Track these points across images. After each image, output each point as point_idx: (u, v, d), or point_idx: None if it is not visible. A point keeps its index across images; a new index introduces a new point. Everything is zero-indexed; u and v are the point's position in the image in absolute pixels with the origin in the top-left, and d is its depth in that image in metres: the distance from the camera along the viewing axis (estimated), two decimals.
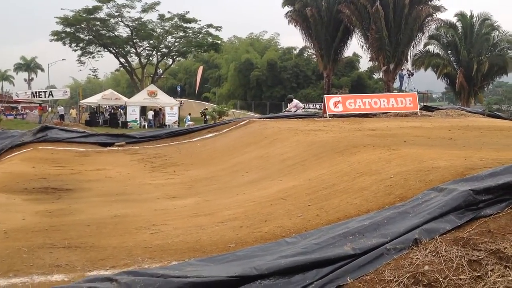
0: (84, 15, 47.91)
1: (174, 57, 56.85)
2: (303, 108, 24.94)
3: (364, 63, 61.78)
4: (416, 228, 3.85)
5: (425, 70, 50.17)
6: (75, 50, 51.61)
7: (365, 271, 3.55)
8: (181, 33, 52.11)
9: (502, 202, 4.03)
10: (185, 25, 50.93)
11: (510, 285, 3.19)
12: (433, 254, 3.56)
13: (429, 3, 46.58)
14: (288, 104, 21.95)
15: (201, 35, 52.65)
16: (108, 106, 48.90)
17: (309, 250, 3.78)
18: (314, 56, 58.32)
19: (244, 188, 8.05)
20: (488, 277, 3.29)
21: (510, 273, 3.28)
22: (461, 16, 49.32)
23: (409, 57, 49.02)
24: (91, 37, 50.77)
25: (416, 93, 22.25)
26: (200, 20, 50.69)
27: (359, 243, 3.79)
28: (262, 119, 18.56)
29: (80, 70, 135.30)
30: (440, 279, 3.31)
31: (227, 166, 10.61)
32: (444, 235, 3.77)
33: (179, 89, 68.66)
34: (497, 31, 48.83)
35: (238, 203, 6.93)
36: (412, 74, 35.39)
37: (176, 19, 50.36)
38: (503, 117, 19.78)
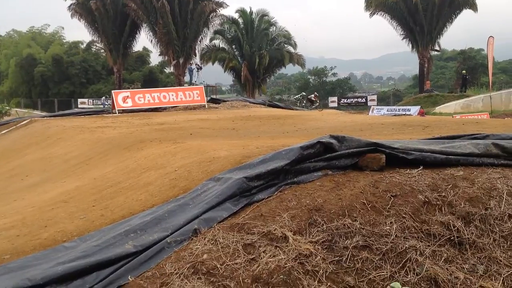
0: None
1: None
2: None
3: (155, 58, 61.92)
4: (196, 219, 3.93)
5: (213, 63, 52.19)
6: None
7: (147, 267, 3.52)
8: None
9: (272, 186, 4.33)
10: None
11: (280, 263, 3.44)
12: (212, 242, 3.68)
13: None
14: None
15: None
16: None
17: (89, 253, 3.62)
18: (103, 50, 56.56)
19: (24, 193, 7.45)
20: (261, 258, 3.50)
21: (280, 253, 3.54)
22: (242, 12, 52.34)
23: (197, 51, 50.48)
24: None
25: (203, 86, 22.99)
26: None
27: (140, 240, 3.74)
28: (46, 118, 17.41)
29: None
30: (218, 266, 3.43)
31: (4, 170, 9.72)
32: (222, 223, 3.91)
33: None
34: (275, 27, 53.17)
35: (15, 210, 6.37)
36: (201, 68, 36.52)
37: None
38: (282, 106, 21.54)
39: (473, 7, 51.01)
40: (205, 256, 3.54)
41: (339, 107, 48.48)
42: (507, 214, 4.03)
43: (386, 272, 3.48)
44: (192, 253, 3.59)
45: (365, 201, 4.10)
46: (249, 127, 10.73)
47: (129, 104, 18.79)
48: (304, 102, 34.31)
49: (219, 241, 3.69)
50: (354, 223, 3.87)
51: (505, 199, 4.17)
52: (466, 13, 52.82)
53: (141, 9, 46.66)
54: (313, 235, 3.75)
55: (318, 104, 34.15)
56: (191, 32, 47.59)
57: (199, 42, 50.23)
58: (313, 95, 34.79)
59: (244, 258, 3.51)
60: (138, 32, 52.07)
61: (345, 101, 57.16)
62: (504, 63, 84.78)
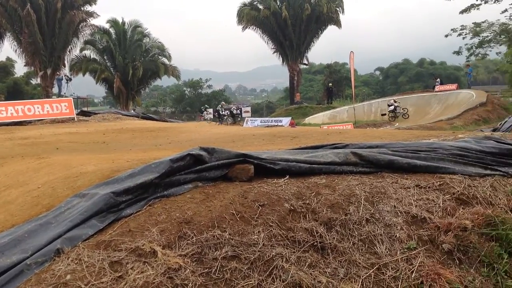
0: None
1: None
2: None
3: (20, 68, 58.23)
4: (59, 238, 3.73)
5: (83, 74, 50.32)
6: None
7: None
8: None
9: (141, 200, 4.24)
10: None
11: (148, 279, 3.37)
12: (76, 261, 3.51)
13: (82, 8, 46.75)
14: None
15: None
16: None
17: None
18: None
19: None
20: (129, 275, 3.40)
21: (148, 268, 3.47)
22: (114, 22, 51.14)
23: (66, 62, 48.38)
24: None
25: (72, 98, 22.05)
26: None
27: None
28: None
29: None
30: (82, 286, 3.28)
31: None
32: (87, 241, 3.75)
33: None
34: (148, 38, 52.52)
35: None
36: (71, 79, 34.99)
37: None
38: (156, 118, 21.29)
39: (338, 23, 54.43)
40: (68, 276, 3.37)
41: (215, 119, 48.90)
42: (365, 219, 4.31)
43: (254, 280, 3.55)
44: (54, 274, 3.40)
45: (234, 212, 4.16)
46: (121, 140, 10.46)
47: None
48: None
49: (83, 260, 3.53)
50: (223, 234, 3.90)
51: (363, 204, 4.46)
52: (332, 29, 56.30)
53: (5, 17, 43.81)
54: (182, 248, 3.72)
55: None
56: (59, 42, 45.51)
57: (68, 53, 48.26)
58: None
59: (110, 276, 3.39)
60: (1, 42, 48.76)
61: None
62: (366, 76, 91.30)
